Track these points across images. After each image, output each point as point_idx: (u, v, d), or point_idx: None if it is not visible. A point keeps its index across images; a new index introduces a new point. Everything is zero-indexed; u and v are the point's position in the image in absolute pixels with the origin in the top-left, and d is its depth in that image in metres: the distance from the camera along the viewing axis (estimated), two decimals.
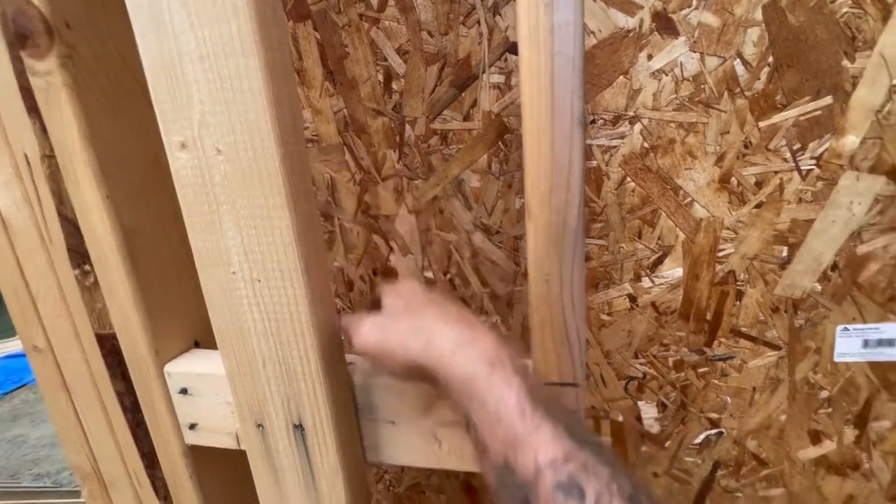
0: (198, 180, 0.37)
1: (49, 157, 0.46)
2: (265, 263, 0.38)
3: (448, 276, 0.59)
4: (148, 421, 0.54)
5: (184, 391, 0.51)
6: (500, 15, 0.48)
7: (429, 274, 0.59)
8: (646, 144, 0.49)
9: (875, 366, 0.51)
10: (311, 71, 0.55)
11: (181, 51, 0.33)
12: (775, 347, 0.53)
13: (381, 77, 0.53)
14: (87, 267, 0.50)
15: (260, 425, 0.44)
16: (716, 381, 0.55)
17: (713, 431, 0.58)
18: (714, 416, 0.57)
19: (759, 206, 0.48)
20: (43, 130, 0.45)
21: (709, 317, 0.53)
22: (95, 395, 0.55)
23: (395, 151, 0.55)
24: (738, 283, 0.51)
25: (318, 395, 0.41)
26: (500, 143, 0.52)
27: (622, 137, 0.49)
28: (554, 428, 0.27)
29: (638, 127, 0.49)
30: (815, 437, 0.55)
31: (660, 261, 0.52)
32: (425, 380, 0.34)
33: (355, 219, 0.60)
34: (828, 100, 0.44)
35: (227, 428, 0.51)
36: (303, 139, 0.38)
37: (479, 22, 0.49)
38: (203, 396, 0.50)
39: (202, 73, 0.34)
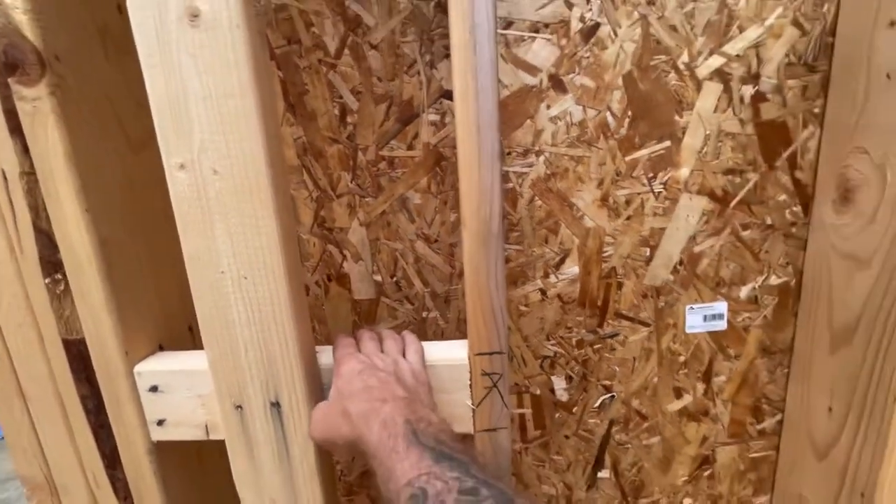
0: (194, 195, 0.44)
1: (28, 174, 0.51)
2: (252, 264, 0.46)
3: (394, 278, 0.69)
4: (112, 421, 0.58)
5: (154, 388, 0.56)
6: (436, 68, 0.61)
7: (377, 277, 0.69)
8: (548, 171, 0.64)
9: (712, 335, 0.70)
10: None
11: (187, 92, 0.41)
12: (646, 325, 0.70)
13: (336, 111, 0.63)
14: (58, 276, 0.53)
15: (239, 406, 0.50)
16: (607, 355, 0.71)
17: (607, 396, 0.73)
18: (607, 382, 0.73)
19: (628, 218, 0.65)
20: (24, 150, 0.50)
21: (599, 303, 0.69)
22: (56, 401, 0.57)
23: (348, 173, 0.65)
24: (618, 276, 0.68)
25: (294, 376, 0.49)
26: (437, 168, 0.65)
27: (531, 166, 0.64)
28: (419, 454, 0.35)
29: (542, 158, 0.64)
30: (678, 393, 0.73)
31: (562, 261, 0.67)
32: (359, 454, 0.44)
33: (312, 231, 0.68)
34: (667, 143, 0.62)
35: (197, 420, 0.57)
36: (284, 162, 0.47)
37: (419, 72, 0.61)
38: (174, 392, 0.56)
39: (204, 110, 0.42)
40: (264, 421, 0.50)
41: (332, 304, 0.71)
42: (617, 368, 0.72)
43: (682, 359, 0.71)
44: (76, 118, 0.49)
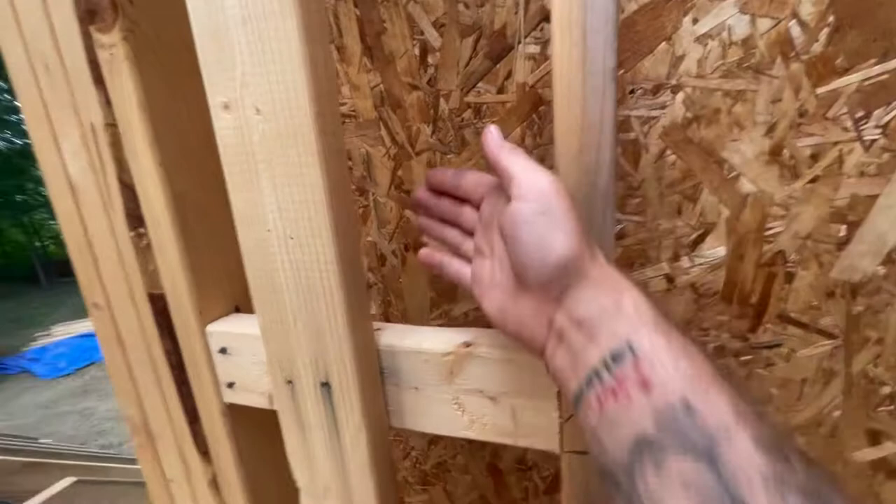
0: (238, 140, 0.39)
1: (112, 126, 0.50)
2: (298, 221, 0.39)
3: None
4: (191, 378, 0.57)
5: (223, 350, 0.54)
6: None
7: None
8: (688, 115, 0.47)
9: None
10: (351, 47, 0.57)
11: (227, 14, 0.35)
12: (830, 336, 0.49)
13: (417, 51, 0.54)
14: (142, 230, 0.53)
15: (290, 381, 0.45)
16: (760, 371, 0.52)
17: None
18: None
19: (813, 180, 0.45)
20: (107, 101, 0.49)
21: (754, 300, 0.50)
22: (145, 352, 0.59)
23: (428, 126, 0.56)
24: (789, 264, 0.48)
25: (344, 354, 0.42)
26: (534, 115, 0.52)
27: (663, 108, 0.47)
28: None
29: (680, 96, 0.46)
30: (874, 438, 0.50)
31: (700, 239, 0.50)
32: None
33: (389, 193, 0.61)
34: (894, 63, 0.40)
35: (262, 388, 0.53)
36: (336, 102, 0.39)
37: None
38: (241, 356, 0.53)
39: (244, 35, 0.35)
40: (315, 401, 0.45)
41: (409, 277, 0.63)
42: (774, 391, 0.52)
43: (886, 390, 0.49)
44: (150, 66, 0.48)
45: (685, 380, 0.20)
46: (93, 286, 0.59)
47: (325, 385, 0.44)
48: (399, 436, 0.74)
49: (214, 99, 0.38)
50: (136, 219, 0.53)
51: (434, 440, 0.72)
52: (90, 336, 6.53)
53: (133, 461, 2.58)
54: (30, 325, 7.86)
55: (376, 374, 0.45)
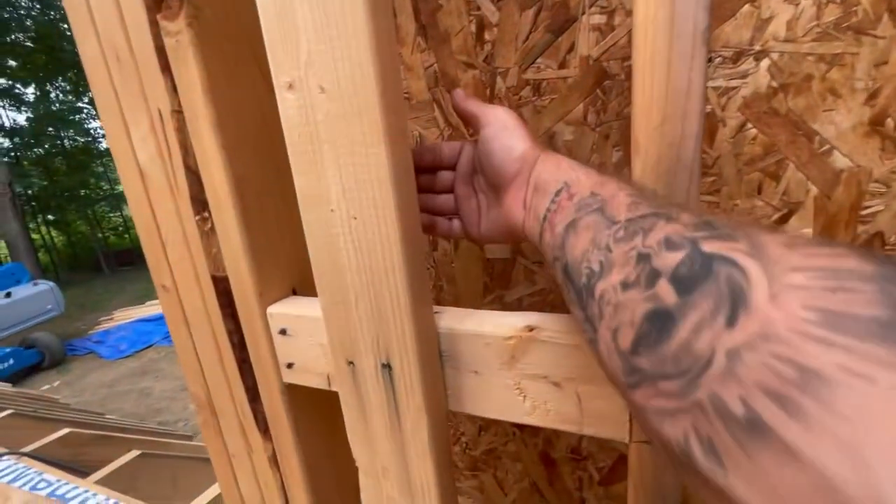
0: (302, 120, 0.39)
1: (178, 113, 0.52)
2: (361, 201, 0.39)
3: None
4: (252, 358, 0.59)
5: (283, 332, 0.55)
6: None
7: None
8: (774, 83, 0.43)
9: None
10: (405, 26, 0.55)
11: None
12: None
13: (473, 27, 0.52)
14: (206, 214, 0.55)
15: (351, 362, 0.46)
16: None
17: None
18: None
19: None
20: (173, 88, 0.51)
21: None
22: (209, 332, 0.61)
23: None
24: (888, 247, 0.43)
25: (406, 335, 0.42)
26: (597, 90, 0.49)
27: (744, 77, 0.43)
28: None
29: (765, 63, 0.43)
30: None
31: (784, 220, 0.46)
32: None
33: None
34: None
35: (320, 369, 0.54)
36: (399, 79, 0.38)
37: None
38: (300, 337, 0.54)
39: (309, 11, 0.35)
40: (376, 382, 0.45)
41: (462, 262, 0.62)
42: None
43: None
44: (214, 52, 0.48)
45: (595, 184, 0.30)
46: (161, 269, 0.62)
47: (387, 366, 0.44)
48: (449, 420, 0.74)
49: (279, 79, 0.38)
50: (200, 203, 0.55)
51: (485, 426, 0.71)
52: (147, 320, 6.98)
53: (190, 437, 2.74)
54: (94, 309, 8.48)
55: (436, 357, 0.45)
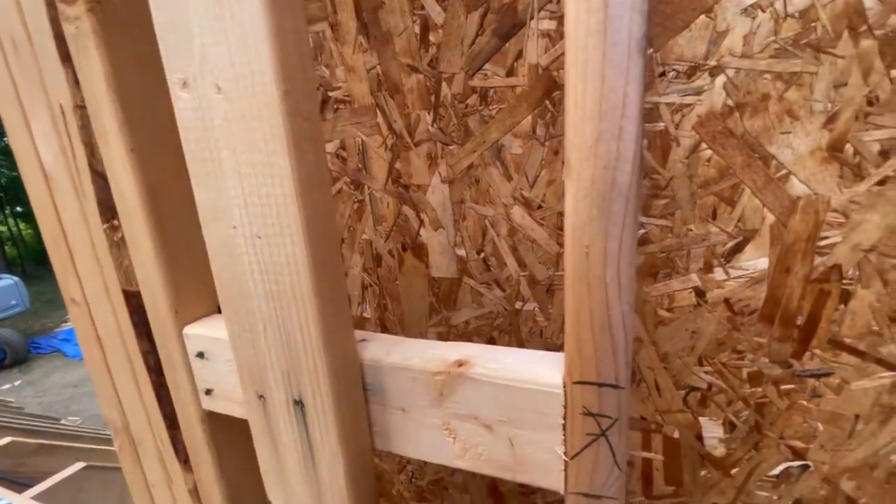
0: (199, 124, 0.34)
1: (81, 108, 0.46)
2: (265, 218, 0.34)
3: (482, 254, 0.53)
4: (169, 382, 0.53)
5: (200, 355, 0.50)
6: None
7: (461, 251, 0.54)
8: (730, 102, 0.40)
9: None
10: (346, 24, 0.51)
11: None
12: (892, 367, 0.41)
13: (417, 28, 0.48)
14: (115, 222, 0.49)
15: (261, 396, 0.41)
16: (804, 402, 0.45)
17: (796, 464, 0.47)
18: (798, 444, 0.46)
19: (882, 182, 0.37)
20: (75, 81, 0.45)
21: (800, 321, 0.43)
22: (123, 352, 0.56)
23: (429, 113, 0.50)
24: (846, 281, 0.40)
25: (318, 369, 0.37)
26: (547, 101, 0.45)
27: (699, 93, 0.40)
28: None
29: (721, 80, 0.39)
30: None
31: (739, 248, 0.43)
32: None
33: (386, 188, 0.55)
34: None
35: (240, 397, 0.49)
36: (312, 80, 0.34)
37: None
38: (218, 362, 0.49)
39: (203, 1, 0.30)
40: (287, 420, 0.40)
41: (406, 280, 0.58)
42: (820, 426, 0.45)
43: None
44: (119, 42, 0.43)
45: None
46: (69, 281, 0.56)
47: (299, 403, 0.39)
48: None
49: (172, 75, 0.33)
50: (109, 209, 0.49)
51: None
52: None
53: None
54: (62, 306, 8.16)
55: (358, 392, 0.40)
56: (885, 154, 0.37)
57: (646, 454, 0.53)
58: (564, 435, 0.34)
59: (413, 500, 0.70)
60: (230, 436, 0.55)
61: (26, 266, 13.09)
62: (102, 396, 0.61)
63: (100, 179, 0.48)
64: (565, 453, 0.35)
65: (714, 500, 0.51)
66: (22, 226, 14.59)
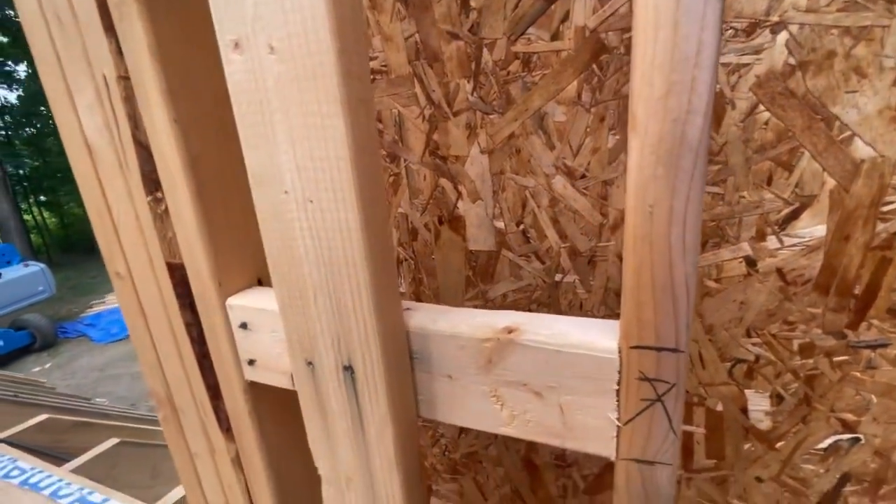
0: (251, 86, 0.33)
1: (125, 79, 0.46)
2: (318, 182, 0.34)
3: (521, 226, 0.52)
4: (212, 353, 0.54)
5: (244, 325, 0.50)
6: None
7: (499, 223, 0.53)
8: (791, 60, 0.38)
9: None
10: None
11: None
12: None
13: None
14: (159, 194, 0.50)
15: (310, 363, 0.41)
16: (857, 374, 0.44)
17: (846, 437, 0.46)
18: (850, 417, 0.45)
19: None
20: (118, 51, 0.45)
21: (858, 290, 0.41)
22: (167, 324, 0.57)
23: (469, 81, 0.49)
24: None
25: (369, 335, 0.37)
26: (594, 65, 0.44)
27: (758, 52, 0.39)
28: None
29: (783, 36, 0.38)
30: None
31: (795, 215, 0.41)
32: None
33: (423, 160, 0.55)
34: None
35: (283, 367, 0.50)
36: (363, 40, 0.33)
37: None
38: (261, 332, 0.49)
39: None
40: (337, 386, 0.40)
41: (442, 253, 0.58)
42: (874, 398, 0.44)
43: None
44: (162, 11, 0.43)
45: None
46: (114, 254, 0.57)
47: (348, 369, 0.39)
48: (427, 421, 0.70)
49: (224, 37, 0.33)
50: (152, 182, 0.49)
51: (465, 428, 0.67)
52: None
53: None
54: (87, 292, 8.41)
55: (405, 360, 0.40)
56: None
57: (687, 427, 0.52)
58: (618, 400, 0.34)
59: (446, 473, 0.71)
60: (272, 406, 0.56)
61: (52, 254, 13.47)
62: (147, 368, 0.62)
63: (143, 151, 0.48)
64: (618, 419, 0.35)
65: (757, 473, 0.51)
66: (46, 214, 14.97)
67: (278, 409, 0.56)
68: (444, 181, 0.54)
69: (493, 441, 0.65)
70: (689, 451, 0.53)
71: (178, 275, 0.53)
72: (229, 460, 0.61)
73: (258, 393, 0.54)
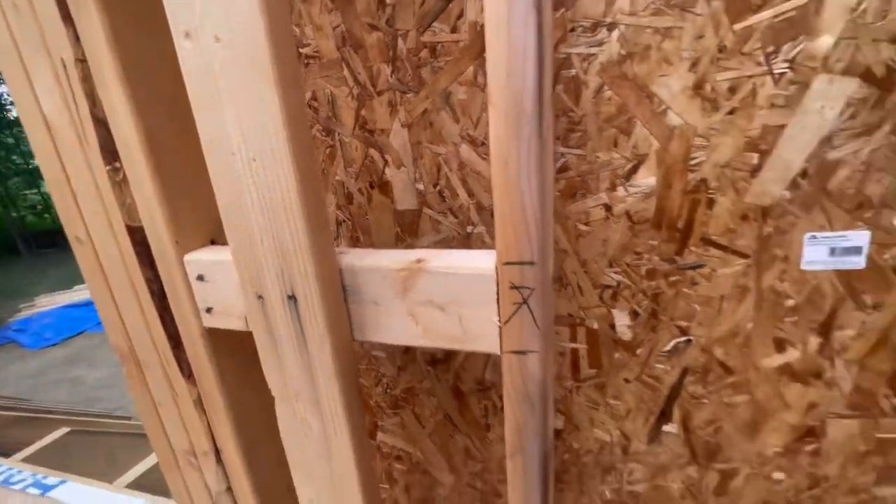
0: (201, 69, 0.42)
1: (82, 62, 0.53)
2: (260, 145, 0.43)
3: (437, 187, 0.63)
4: (172, 306, 0.62)
5: (200, 277, 0.59)
6: None
7: (420, 186, 0.64)
8: (622, 51, 0.51)
9: (841, 274, 0.53)
10: None
11: None
12: (743, 256, 0.55)
13: None
14: (117, 164, 0.57)
15: (260, 296, 0.50)
16: (686, 290, 0.59)
17: (682, 339, 0.61)
18: (683, 323, 0.60)
19: (731, 112, 0.50)
20: (76, 37, 0.52)
21: (680, 225, 0.56)
22: (128, 281, 0.64)
23: (388, 65, 0.59)
24: (710, 191, 0.53)
25: (307, 267, 0.47)
26: (485, 54, 0.55)
27: (600, 45, 0.51)
28: None
29: (616, 33, 0.50)
30: (780, 346, 0.58)
31: (634, 170, 0.55)
32: None
33: (354, 133, 0.64)
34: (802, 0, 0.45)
35: (237, 311, 0.58)
36: (290, 31, 0.42)
37: None
38: (217, 282, 0.58)
39: None
40: (283, 313, 0.50)
41: (375, 214, 0.68)
42: (697, 307, 0.59)
43: (791, 303, 0.56)
44: (116, 2, 0.50)
45: None
46: (73, 221, 0.63)
47: (292, 298, 0.49)
48: (371, 364, 0.81)
49: (177, 28, 0.41)
50: (110, 153, 0.56)
51: (402, 366, 0.78)
52: (76, 306, 6.52)
53: (128, 418, 2.66)
54: (14, 296, 7.77)
55: (339, 292, 0.51)
56: (732, 90, 0.49)
57: (573, 345, 0.66)
58: (498, 306, 0.46)
59: (388, 409, 0.82)
60: (229, 349, 0.65)
61: None
62: (109, 326, 0.69)
63: (101, 126, 0.55)
64: (499, 321, 0.47)
65: (625, 376, 0.65)
66: None
67: (234, 352, 0.65)
68: (372, 151, 0.64)
69: (426, 375, 0.77)
70: (576, 365, 0.67)
71: (137, 236, 0.60)
72: (192, 402, 0.69)
73: (216, 338, 0.63)
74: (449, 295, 0.48)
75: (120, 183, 0.58)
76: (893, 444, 0.58)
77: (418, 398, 0.79)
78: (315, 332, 0.50)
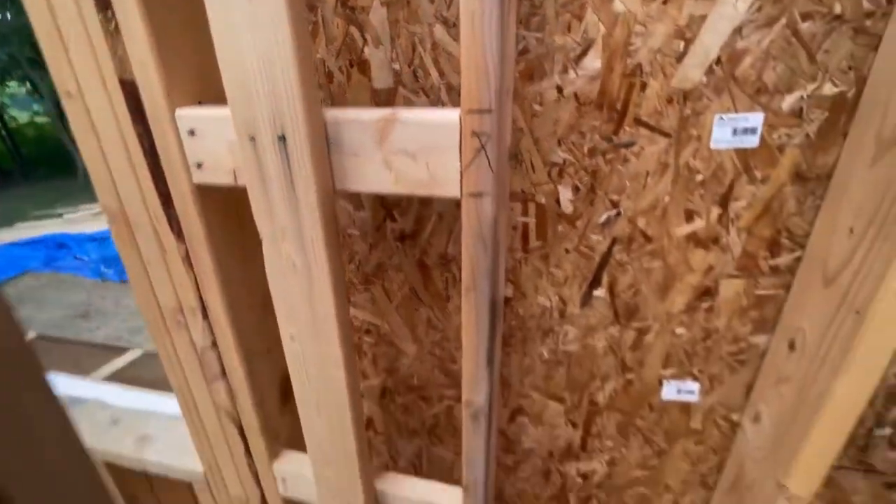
0: None
1: None
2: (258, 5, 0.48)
3: (412, 67, 0.70)
4: (163, 162, 0.68)
5: (192, 132, 0.64)
6: None
7: (396, 65, 0.70)
8: None
9: (739, 152, 0.65)
10: None
11: None
12: (667, 135, 0.66)
13: None
14: (109, 13, 0.60)
15: (252, 138, 0.57)
16: (619, 167, 0.69)
17: (613, 212, 0.73)
18: (615, 197, 0.72)
19: (665, 1, 0.59)
20: None
21: (618, 107, 0.65)
22: (119, 138, 0.68)
23: None
24: (644, 75, 0.63)
25: (296, 112, 0.54)
26: None
27: None
28: None
29: None
30: (689, 216, 0.70)
31: (583, 53, 0.64)
32: None
33: (335, 10, 0.69)
34: None
35: (227, 165, 0.65)
36: None
37: None
38: (208, 137, 0.63)
39: None
40: (273, 154, 0.57)
41: (353, 92, 0.74)
42: (628, 183, 0.70)
43: (700, 178, 0.68)
44: None
45: None
46: (64, 74, 0.66)
47: (282, 138, 0.56)
48: (345, 242, 0.89)
49: None
50: (103, 1, 0.59)
51: (374, 244, 0.87)
52: (19, 245, 6.19)
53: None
54: None
55: (323, 143, 0.58)
56: None
57: (524, 219, 0.77)
58: (460, 153, 0.55)
59: (360, 285, 0.92)
60: (217, 205, 0.71)
61: None
62: (99, 185, 0.73)
63: None
64: (461, 166, 0.55)
65: (565, 246, 0.77)
66: None
67: (222, 208, 0.72)
68: (353, 29, 0.70)
69: (395, 251, 0.87)
70: (525, 237, 0.78)
71: (129, 90, 0.64)
72: (180, 259, 0.76)
73: (205, 194, 0.69)
74: (419, 143, 0.56)
75: (112, 32, 0.61)
76: (768, 300, 0.74)
77: (387, 274, 0.89)
78: (302, 171, 0.57)
